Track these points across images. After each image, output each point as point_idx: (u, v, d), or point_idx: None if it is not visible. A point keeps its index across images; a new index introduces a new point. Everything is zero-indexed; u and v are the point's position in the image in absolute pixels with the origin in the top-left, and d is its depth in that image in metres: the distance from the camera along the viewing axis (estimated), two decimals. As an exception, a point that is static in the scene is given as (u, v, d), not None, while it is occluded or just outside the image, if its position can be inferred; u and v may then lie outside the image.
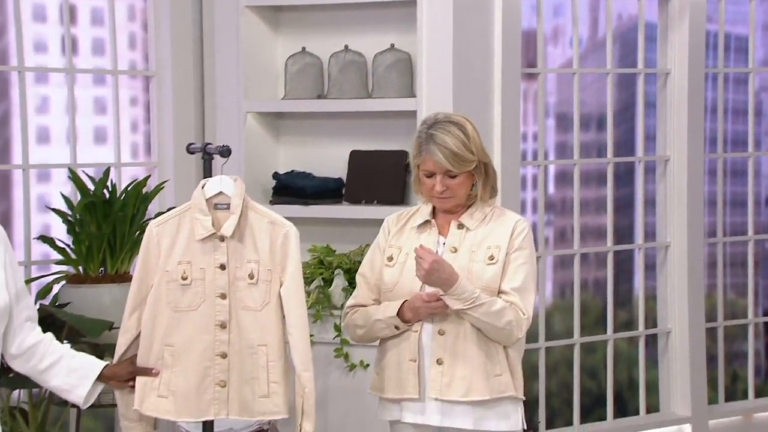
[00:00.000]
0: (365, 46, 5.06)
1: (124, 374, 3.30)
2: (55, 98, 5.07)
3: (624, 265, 5.55)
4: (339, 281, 4.92)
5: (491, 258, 3.37)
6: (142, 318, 3.35)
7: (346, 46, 5.08)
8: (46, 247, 4.72)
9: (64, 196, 4.73)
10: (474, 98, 4.82)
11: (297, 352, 3.37)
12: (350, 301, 3.52)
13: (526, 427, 3.46)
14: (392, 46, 5.01)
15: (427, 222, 3.46)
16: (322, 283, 4.94)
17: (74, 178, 4.69)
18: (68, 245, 4.65)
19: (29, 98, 4.91)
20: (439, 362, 3.35)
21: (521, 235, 3.41)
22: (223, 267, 3.36)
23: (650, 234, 5.54)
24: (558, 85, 5.44)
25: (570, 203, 5.36)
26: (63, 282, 4.65)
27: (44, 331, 3.21)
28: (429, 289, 3.33)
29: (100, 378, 3.20)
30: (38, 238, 4.75)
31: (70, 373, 3.16)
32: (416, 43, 4.84)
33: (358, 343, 3.51)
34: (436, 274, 3.26)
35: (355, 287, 4.87)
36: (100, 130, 5.19)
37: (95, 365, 3.19)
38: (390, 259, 3.44)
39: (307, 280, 4.89)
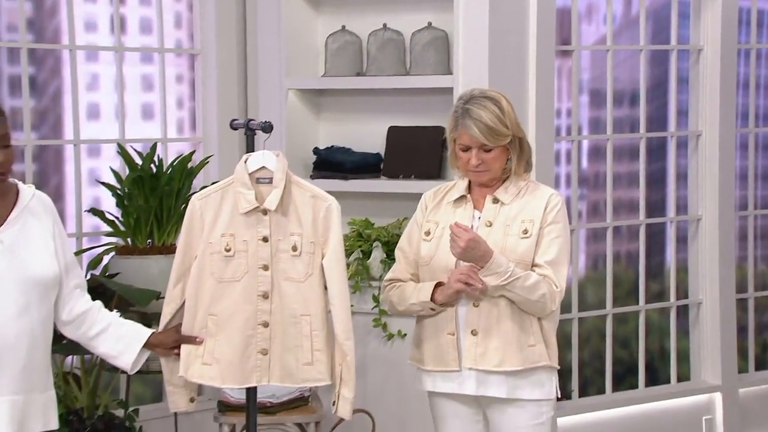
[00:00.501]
0: (403, 24, 5.04)
1: (169, 342, 3.32)
2: (104, 76, 5.10)
3: (656, 237, 5.53)
4: (377, 254, 4.93)
5: (525, 232, 3.36)
6: (186, 288, 3.37)
7: (385, 25, 5.07)
8: (97, 220, 4.77)
9: (113, 171, 4.77)
10: (509, 75, 4.80)
11: (339, 321, 3.38)
12: (389, 275, 3.52)
13: (560, 395, 3.46)
14: (429, 24, 5.00)
15: (462, 197, 3.45)
16: (360, 256, 4.95)
17: (123, 153, 4.72)
18: (117, 218, 4.69)
19: (80, 76, 4.94)
20: (474, 333, 3.35)
21: (555, 209, 3.39)
22: (265, 239, 3.37)
23: (682, 207, 5.51)
24: (592, 62, 5.40)
25: (603, 177, 5.34)
26: (112, 253, 4.69)
27: (94, 300, 3.24)
28: (464, 265, 3.32)
29: (147, 345, 3.23)
30: (89, 211, 4.79)
31: (118, 340, 3.19)
32: (453, 21, 4.83)
33: (397, 316, 3.52)
34: (472, 251, 3.26)
35: (392, 259, 4.89)
36: (147, 106, 5.22)
37: (142, 333, 3.22)
38: (427, 233, 3.44)
39: (347, 253, 4.90)
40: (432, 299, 3.34)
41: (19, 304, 2.97)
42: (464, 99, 3.39)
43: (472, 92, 3.40)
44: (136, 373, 3.33)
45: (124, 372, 3.39)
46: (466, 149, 3.36)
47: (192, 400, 3.42)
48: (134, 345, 3.19)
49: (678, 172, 5.47)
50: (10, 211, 3.02)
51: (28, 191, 3.07)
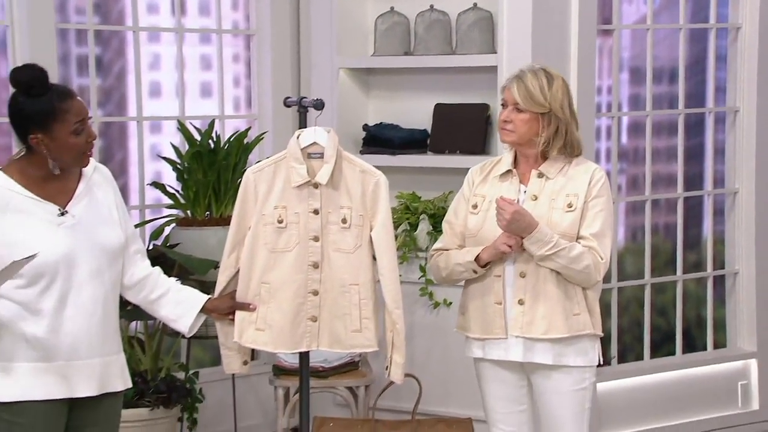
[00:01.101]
0: (449, 5, 5.01)
1: (224, 308, 3.34)
2: (165, 56, 5.13)
3: (693, 210, 5.48)
4: (424, 225, 4.92)
5: (570, 206, 3.34)
6: (240, 257, 3.38)
7: (432, 6, 5.04)
8: (158, 193, 4.80)
9: (173, 146, 4.80)
10: (552, 54, 4.76)
11: (388, 291, 3.38)
12: (436, 245, 3.51)
13: (601, 362, 3.44)
14: (475, 5, 4.96)
15: (508, 171, 3.43)
16: (408, 228, 4.95)
17: (182, 129, 4.75)
18: (178, 191, 4.72)
19: (143, 56, 4.97)
20: (521, 302, 3.33)
21: (599, 184, 3.36)
22: (316, 212, 3.37)
23: (719, 181, 5.45)
24: (632, 41, 5.34)
25: (642, 152, 5.29)
26: (173, 224, 4.72)
27: (154, 267, 3.27)
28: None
29: (203, 310, 3.25)
30: (151, 184, 4.83)
31: (177, 305, 3.21)
32: (497, 2, 4.79)
33: (441, 284, 3.52)
34: (516, 223, 3.24)
35: (438, 231, 4.88)
36: (205, 85, 5.24)
37: (199, 298, 3.25)
38: (474, 207, 3.42)
39: (394, 225, 4.88)
40: (476, 260, 3.32)
41: (92, 272, 3.00)
42: (525, 66, 3.40)
43: (535, 64, 3.42)
44: (197, 338, 3.37)
45: (184, 336, 3.43)
46: (505, 105, 3.35)
47: (245, 363, 3.44)
48: (192, 310, 3.21)
49: (715, 146, 5.41)
50: (77, 186, 3.05)
51: (90, 165, 3.10)
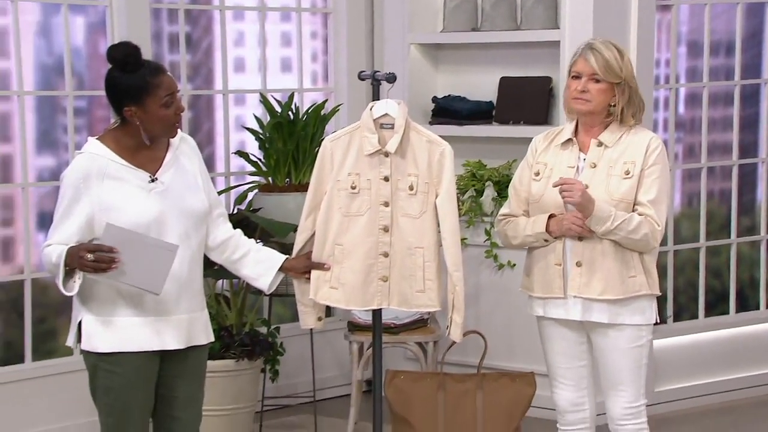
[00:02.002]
0: (515, -17, 4.95)
1: (300, 267, 3.34)
2: (249, 33, 5.14)
3: (747, 177, 5.38)
4: (489, 192, 4.89)
5: (627, 173, 3.28)
6: (316, 220, 3.38)
7: (498, -16, 4.97)
8: (242, 161, 4.83)
9: (256, 117, 4.81)
10: (613, 28, 4.66)
11: (450, 254, 3.36)
12: (503, 210, 3.46)
13: (658, 321, 3.39)
14: (539, -18, 4.88)
15: (569, 140, 3.38)
16: (474, 194, 4.92)
17: (264, 101, 4.76)
18: (260, 159, 4.74)
19: (228, 33, 4.98)
20: (579, 264, 3.29)
21: (655, 152, 3.30)
22: (386, 179, 3.36)
23: (773, 149, 5.34)
24: (690, 15, 5.22)
25: (698, 122, 5.20)
26: (256, 190, 4.75)
27: (236, 230, 3.28)
28: (571, 208, 3.26)
29: (281, 269, 3.25)
30: (235, 153, 4.85)
31: (257, 264, 3.23)
32: (560, -21, 4.71)
33: (511, 249, 3.48)
34: (585, 197, 3.20)
35: (502, 197, 4.84)
36: (285, 60, 5.24)
37: (277, 258, 3.25)
38: (537, 174, 3.38)
39: (461, 191, 4.87)
40: (546, 231, 3.29)
41: (180, 234, 3.03)
42: (591, 40, 3.33)
43: (599, 38, 3.35)
44: (278, 295, 3.38)
45: (264, 294, 3.44)
46: (578, 77, 3.28)
47: (319, 319, 3.44)
48: (271, 269, 3.23)
49: (770, 116, 5.30)
50: (165, 155, 3.07)
51: (177, 136, 3.11)
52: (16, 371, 4.40)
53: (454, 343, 3.49)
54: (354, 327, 4.57)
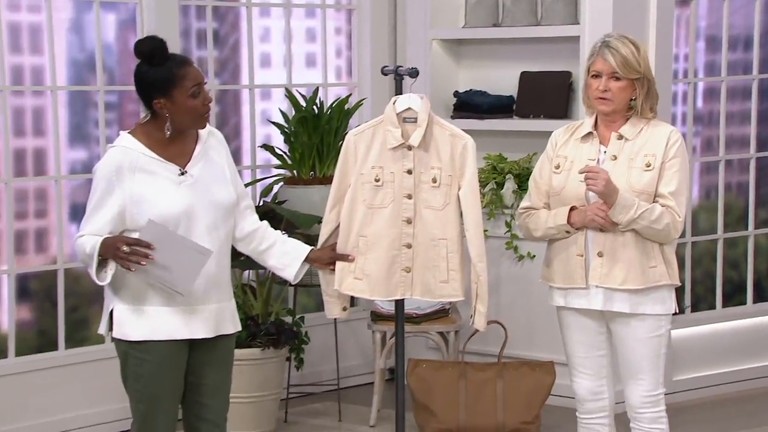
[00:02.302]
0: (535, -21, 4.93)
1: (325, 258, 3.35)
2: (274, 29, 5.14)
3: (765, 170, 5.34)
4: (509, 185, 4.87)
5: (648, 165, 3.26)
6: (341, 213, 3.38)
7: (519, -20, 4.96)
8: (268, 154, 4.84)
9: (281, 112, 4.82)
10: (632, 24, 4.63)
11: (473, 246, 3.36)
12: (524, 203, 3.45)
13: (677, 310, 3.37)
14: (559, -22, 4.86)
15: (589, 134, 3.36)
16: (495, 186, 4.90)
17: (290, 96, 4.76)
18: (285, 152, 4.75)
19: (255, 29, 4.99)
20: (600, 255, 3.27)
21: (675, 145, 3.28)
22: (409, 172, 3.35)
23: (791, 143, 5.30)
24: (708, 11, 5.18)
25: (716, 116, 5.16)
26: (281, 183, 4.75)
27: (262, 222, 3.29)
28: (594, 198, 3.25)
29: (307, 260, 3.26)
30: (261, 146, 4.86)
31: (283, 255, 3.23)
32: (580, -25, 4.69)
33: (532, 240, 3.47)
34: (609, 186, 3.19)
35: (522, 190, 4.82)
36: (310, 55, 5.24)
37: (303, 249, 3.25)
38: (557, 167, 3.36)
39: (482, 184, 4.86)
40: (568, 222, 3.27)
41: (209, 226, 3.04)
42: (606, 36, 3.30)
43: (613, 33, 3.32)
44: (303, 285, 3.38)
45: (290, 284, 3.44)
46: (597, 76, 3.26)
47: (344, 309, 3.44)
48: (297, 259, 3.23)
49: (788, 110, 5.26)
50: (194, 148, 3.08)
51: (205, 129, 3.12)
52: (50, 358, 4.44)
53: (475, 332, 3.50)
54: (377, 317, 4.57)
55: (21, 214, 4.46)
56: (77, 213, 4.55)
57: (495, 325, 4.12)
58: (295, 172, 4.72)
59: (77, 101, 4.60)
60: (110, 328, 3.05)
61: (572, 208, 3.28)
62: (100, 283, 2.97)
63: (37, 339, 4.53)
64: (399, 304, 3.49)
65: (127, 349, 3.02)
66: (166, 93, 2.98)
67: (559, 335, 3.45)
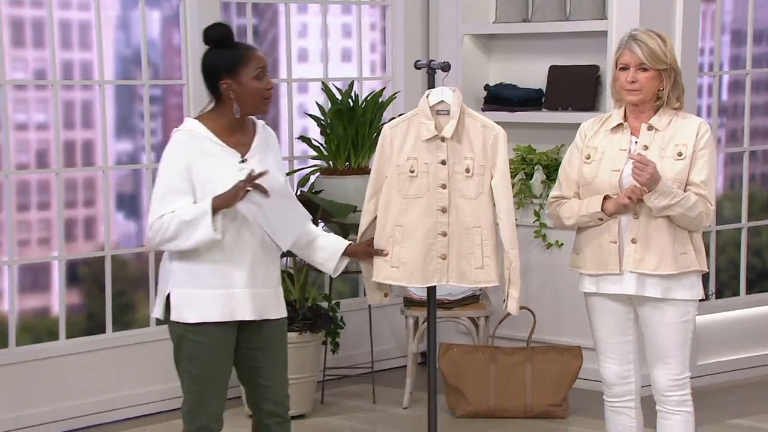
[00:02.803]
0: (564, -25, 4.91)
1: (361, 253, 3.36)
2: (312, 25, 5.15)
3: (789, 161, 5.28)
4: (538, 175, 4.86)
5: (680, 154, 3.24)
6: (378, 203, 3.40)
7: (548, -24, 4.93)
8: (305, 146, 4.85)
9: (318, 105, 4.83)
10: (658, 19, 4.60)
11: (505, 233, 3.36)
12: (554, 193, 3.43)
13: (703, 297, 3.36)
14: (587, -25, 4.83)
15: (620, 125, 3.35)
16: (524, 177, 4.90)
17: (326, 89, 4.78)
18: (321, 144, 4.76)
19: (292, 25, 5.01)
20: (633, 241, 3.26)
21: (705, 136, 3.27)
22: (443, 162, 3.36)
23: (814, 134, 5.24)
24: (734, 5, 5.13)
25: (741, 108, 5.11)
26: (317, 173, 4.77)
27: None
28: (632, 185, 3.23)
29: (344, 254, 3.27)
30: (299, 138, 4.88)
31: (322, 250, 3.25)
32: (608, -29, 4.66)
33: (562, 229, 3.46)
34: (653, 177, 3.17)
35: (551, 180, 4.80)
36: (346, 50, 5.25)
37: (340, 244, 3.27)
38: (588, 157, 3.34)
39: (512, 174, 4.84)
40: (602, 210, 3.27)
41: None
42: (633, 30, 3.29)
43: (640, 28, 3.32)
44: (342, 273, 3.37)
45: (332, 276, 3.45)
46: (625, 68, 3.25)
47: (386, 295, 3.46)
48: (335, 254, 3.25)
49: (811, 102, 5.19)
50: (253, 139, 3.11)
51: (260, 123, 3.17)
52: (99, 341, 4.50)
53: (506, 316, 3.50)
54: (410, 302, 4.59)
55: (70, 203, 4.51)
56: (123, 202, 4.60)
57: (524, 311, 4.11)
58: (330, 162, 4.73)
59: (123, 95, 4.65)
60: (166, 311, 3.08)
61: (606, 197, 3.28)
62: (217, 238, 2.96)
63: (86, 322, 4.59)
64: (431, 290, 3.50)
65: (184, 332, 3.04)
66: (233, 73, 3.00)
67: (586, 321, 3.44)
